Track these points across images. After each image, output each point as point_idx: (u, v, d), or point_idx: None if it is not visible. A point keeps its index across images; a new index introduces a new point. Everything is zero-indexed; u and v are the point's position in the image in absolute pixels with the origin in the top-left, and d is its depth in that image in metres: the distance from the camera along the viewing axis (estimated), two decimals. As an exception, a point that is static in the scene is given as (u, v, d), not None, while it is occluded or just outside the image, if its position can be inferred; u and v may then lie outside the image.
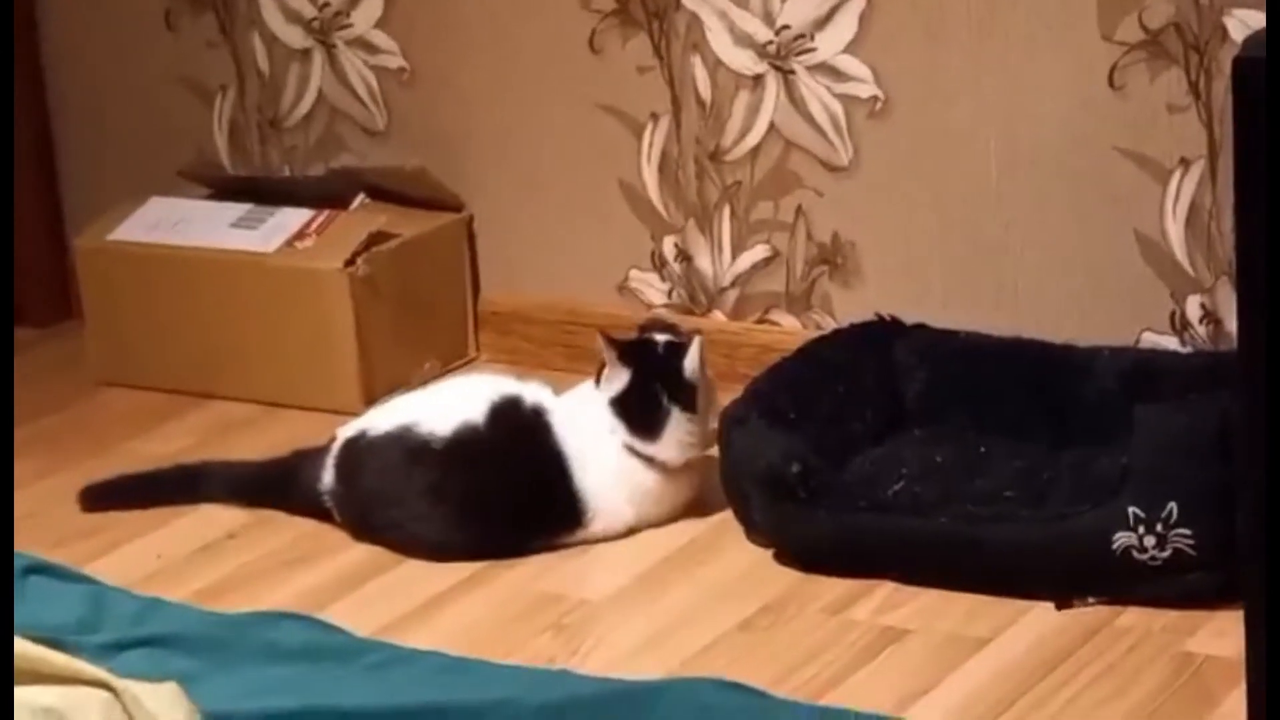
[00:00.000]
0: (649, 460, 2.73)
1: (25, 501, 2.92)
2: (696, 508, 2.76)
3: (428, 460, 2.72)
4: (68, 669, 1.58)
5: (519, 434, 2.74)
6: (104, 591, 2.45)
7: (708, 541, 2.71)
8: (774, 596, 2.55)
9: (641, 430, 2.72)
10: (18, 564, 2.47)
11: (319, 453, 2.82)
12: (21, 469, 3.03)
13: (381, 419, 2.80)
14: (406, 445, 2.73)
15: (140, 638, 2.28)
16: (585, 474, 2.72)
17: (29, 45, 3.61)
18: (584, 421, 2.74)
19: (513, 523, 2.72)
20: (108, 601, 2.41)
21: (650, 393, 2.72)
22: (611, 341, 2.74)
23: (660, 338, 2.77)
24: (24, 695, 1.52)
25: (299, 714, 2.08)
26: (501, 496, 2.72)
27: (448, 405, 2.76)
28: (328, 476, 2.79)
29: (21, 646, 1.59)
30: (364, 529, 2.77)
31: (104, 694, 1.57)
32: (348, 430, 2.81)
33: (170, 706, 1.66)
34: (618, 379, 2.73)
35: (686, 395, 2.72)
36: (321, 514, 2.81)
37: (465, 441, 2.73)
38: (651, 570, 2.65)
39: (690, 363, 2.72)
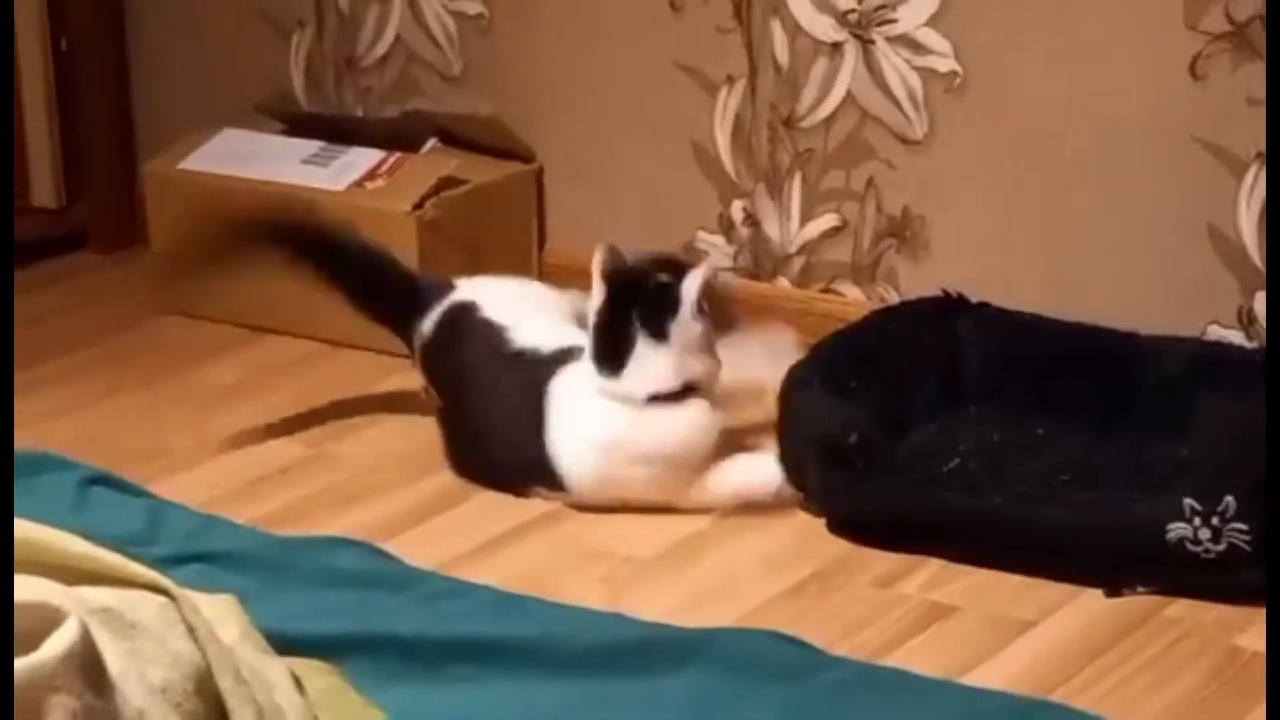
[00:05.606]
0: (624, 407, 2.61)
1: (85, 423, 2.95)
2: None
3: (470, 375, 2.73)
4: (126, 571, 1.59)
5: (529, 381, 2.70)
6: (163, 506, 2.46)
7: (760, 506, 2.70)
8: (823, 565, 2.55)
9: (605, 361, 2.60)
10: (80, 474, 2.49)
11: (438, 292, 2.80)
12: (81, 391, 3.07)
13: (489, 299, 2.77)
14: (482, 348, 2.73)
15: (196, 553, 2.30)
16: (559, 437, 2.65)
17: (111, -30, 3.63)
18: (574, 382, 2.66)
19: (495, 465, 2.72)
20: (166, 516, 2.42)
21: (621, 318, 2.60)
22: (608, 256, 2.63)
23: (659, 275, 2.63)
24: (81, 595, 1.54)
25: (351, 638, 2.09)
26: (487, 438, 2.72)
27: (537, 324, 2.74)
28: (427, 325, 2.80)
29: (83, 546, 1.60)
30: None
31: (161, 598, 1.58)
32: (462, 292, 2.79)
33: (226, 616, 1.67)
34: (595, 297, 2.63)
35: (659, 322, 2.58)
36: (406, 346, 2.83)
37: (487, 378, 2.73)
38: (701, 532, 2.65)
39: (686, 288, 2.58)
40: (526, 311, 2.79)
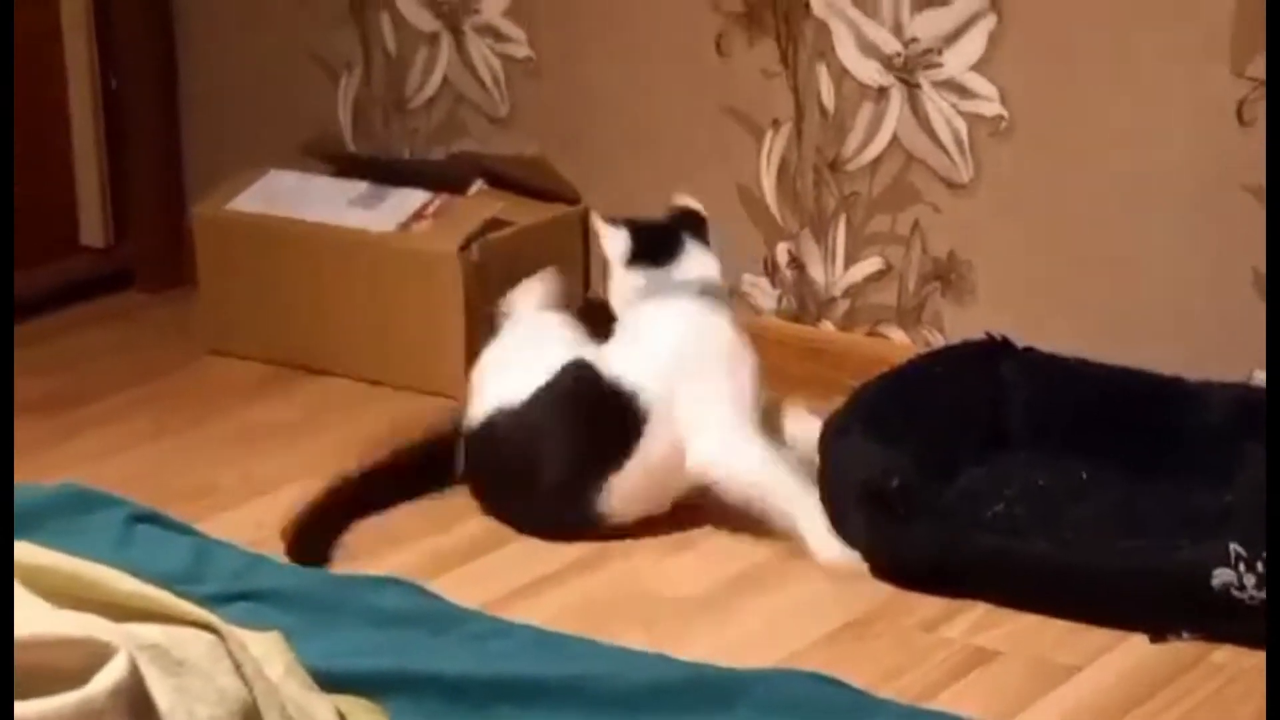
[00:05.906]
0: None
1: (132, 462, 2.96)
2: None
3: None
4: (174, 609, 1.60)
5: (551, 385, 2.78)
6: (209, 545, 2.47)
7: (802, 550, 2.70)
8: (866, 610, 2.55)
9: (657, 257, 2.81)
10: (125, 512, 2.50)
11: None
12: (129, 431, 3.08)
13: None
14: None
15: (243, 592, 2.30)
16: (626, 352, 2.77)
17: (161, 13, 3.64)
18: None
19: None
20: (212, 555, 2.43)
21: (664, 231, 2.84)
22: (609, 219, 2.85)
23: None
24: (130, 631, 1.54)
25: (395, 676, 2.09)
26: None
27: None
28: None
29: (131, 583, 1.61)
30: None
31: (208, 635, 1.58)
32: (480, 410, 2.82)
33: (271, 654, 1.68)
34: (616, 240, 2.83)
35: (702, 235, 2.84)
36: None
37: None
38: (744, 575, 2.65)
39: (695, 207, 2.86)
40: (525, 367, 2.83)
